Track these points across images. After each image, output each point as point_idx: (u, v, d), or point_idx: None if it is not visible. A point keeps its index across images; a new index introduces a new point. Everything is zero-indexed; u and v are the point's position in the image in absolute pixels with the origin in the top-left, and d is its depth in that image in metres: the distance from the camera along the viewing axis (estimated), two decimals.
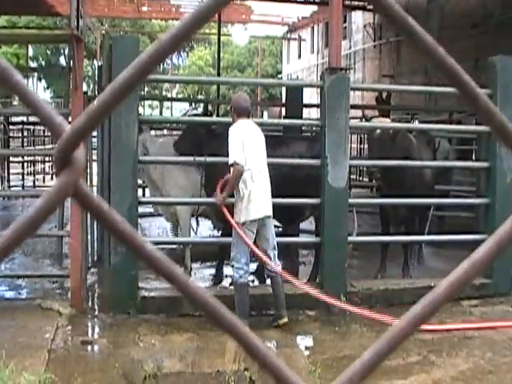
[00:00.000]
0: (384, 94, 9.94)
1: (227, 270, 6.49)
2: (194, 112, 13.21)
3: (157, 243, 7.34)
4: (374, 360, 0.46)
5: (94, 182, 7.14)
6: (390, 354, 0.47)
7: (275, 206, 5.29)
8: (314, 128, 8.79)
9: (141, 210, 6.81)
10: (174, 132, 12.24)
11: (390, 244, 6.91)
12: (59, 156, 0.47)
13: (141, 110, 8.79)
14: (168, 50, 0.48)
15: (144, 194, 10.52)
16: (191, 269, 7.06)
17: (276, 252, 5.24)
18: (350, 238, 6.01)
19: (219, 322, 0.46)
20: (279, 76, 34.53)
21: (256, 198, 5.06)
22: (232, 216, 5.09)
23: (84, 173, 5.83)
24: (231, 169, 5.08)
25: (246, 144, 5.03)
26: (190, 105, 33.70)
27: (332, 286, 5.82)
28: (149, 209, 9.85)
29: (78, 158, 0.47)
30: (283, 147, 6.40)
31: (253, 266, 6.24)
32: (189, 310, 5.41)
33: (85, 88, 16.36)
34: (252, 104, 5.43)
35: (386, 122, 7.03)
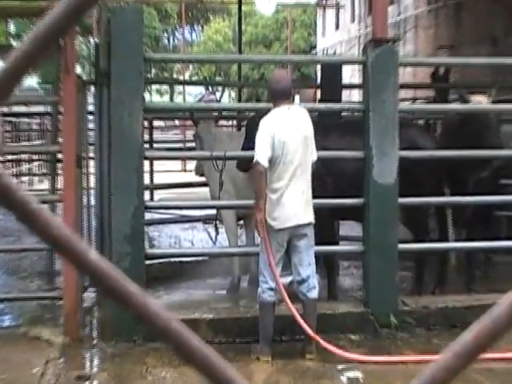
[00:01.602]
0: (441, 70, 9.85)
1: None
2: (211, 97, 13.24)
3: (169, 255, 7.48)
4: None
5: (92, 183, 7.20)
6: None
7: None
8: (355, 113, 8.75)
9: (148, 216, 6.90)
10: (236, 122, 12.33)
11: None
12: None
13: (147, 96, 8.89)
14: None
15: (152, 197, 10.60)
16: (239, 280, 7.16)
17: (312, 269, 5.22)
18: (401, 246, 5.99)
19: (186, 353, 0.44)
20: (313, 52, 34.49)
21: (287, 204, 5.04)
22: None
23: (80, 173, 5.88)
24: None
25: (278, 139, 4.99)
26: (207, 89, 33.91)
27: (379, 304, 5.84)
28: (158, 215, 9.93)
29: None
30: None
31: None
32: (207, 335, 5.43)
33: (78, 71, 16.60)
34: (292, 84, 5.35)
35: (482, 103, 6.85)
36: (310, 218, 5.13)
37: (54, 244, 0.46)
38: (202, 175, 7.80)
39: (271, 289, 5.12)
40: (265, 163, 4.96)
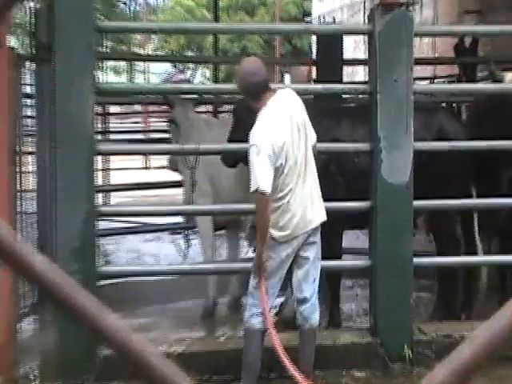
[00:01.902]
0: (467, 41, 9.91)
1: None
2: (180, 77, 13.31)
3: (127, 274, 7.49)
4: None
5: (31, 185, 7.17)
6: None
7: None
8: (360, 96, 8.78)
9: (102, 224, 6.85)
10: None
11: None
12: None
13: (100, 75, 8.89)
14: None
15: (107, 202, 10.60)
16: (216, 304, 7.27)
17: (316, 287, 5.28)
18: (416, 260, 6.02)
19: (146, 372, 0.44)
20: (307, 19, 34.56)
21: (295, 208, 5.10)
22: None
23: (14, 171, 5.84)
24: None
25: (278, 147, 4.99)
26: (175, 66, 33.89)
27: (390, 333, 5.89)
28: (115, 223, 9.92)
29: None
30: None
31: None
32: None
33: (12, 43, 16.52)
34: (267, 69, 5.30)
35: None
36: (322, 215, 5.24)
37: None
38: (175, 170, 7.83)
39: (262, 313, 5.15)
40: (269, 190, 4.93)
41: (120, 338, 0.44)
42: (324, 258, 5.99)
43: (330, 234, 6.45)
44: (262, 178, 4.92)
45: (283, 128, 5.07)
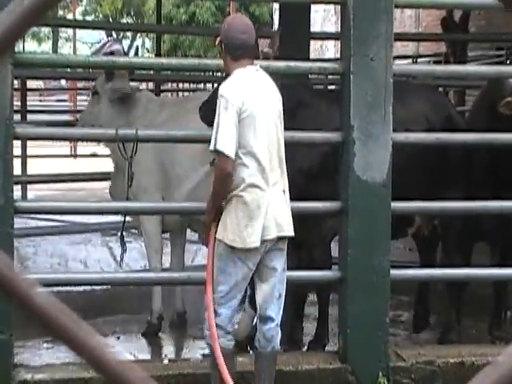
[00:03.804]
0: (456, 15, 10.01)
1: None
2: (116, 47, 13.28)
3: (50, 283, 7.41)
4: None
5: None
6: None
7: None
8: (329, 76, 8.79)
9: (20, 223, 6.75)
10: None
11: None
12: None
13: (18, 43, 8.79)
14: None
15: (25, 195, 10.49)
16: (162, 319, 7.27)
17: (281, 305, 5.32)
18: (394, 272, 6.05)
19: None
20: None
21: (265, 207, 5.09)
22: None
23: None
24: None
25: (248, 114, 5.03)
26: (109, 35, 33.63)
27: (363, 357, 5.88)
28: (35, 221, 9.84)
29: None
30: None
31: None
32: None
33: None
34: (254, 35, 5.37)
35: None
36: (291, 230, 5.26)
37: None
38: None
39: (228, 332, 5.23)
40: (232, 155, 4.95)
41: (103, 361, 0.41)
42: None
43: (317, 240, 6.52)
44: (226, 138, 4.95)
45: (260, 100, 5.14)
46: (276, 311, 5.25)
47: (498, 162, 6.75)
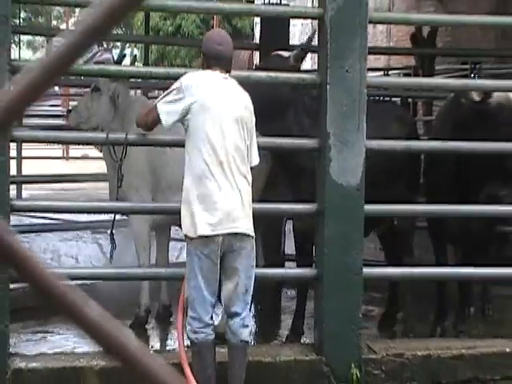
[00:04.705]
0: (425, 30, 10.11)
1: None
2: (106, 56, 13.35)
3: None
4: None
5: None
6: None
7: None
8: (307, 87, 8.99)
9: (15, 220, 6.80)
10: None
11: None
12: None
13: (14, 51, 8.83)
14: None
15: (20, 195, 10.61)
16: (149, 312, 7.41)
17: (249, 300, 5.40)
18: (366, 270, 6.12)
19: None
20: None
21: (217, 197, 5.18)
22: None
23: None
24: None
25: (201, 103, 5.20)
26: (100, 45, 33.54)
27: (336, 350, 5.94)
28: (29, 219, 9.91)
29: None
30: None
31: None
32: None
33: None
34: (232, 49, 5.55)
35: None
36: (251, 229, 5.32)
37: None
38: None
39: (207, 325, 5.28)
40: (166, 125, 5.36)
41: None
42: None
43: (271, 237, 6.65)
44: (167, 108, 5.33)
45: (218, 95, 5.31)
46: (242, 306, 5.31)
47: (462, 168, 6.93)
